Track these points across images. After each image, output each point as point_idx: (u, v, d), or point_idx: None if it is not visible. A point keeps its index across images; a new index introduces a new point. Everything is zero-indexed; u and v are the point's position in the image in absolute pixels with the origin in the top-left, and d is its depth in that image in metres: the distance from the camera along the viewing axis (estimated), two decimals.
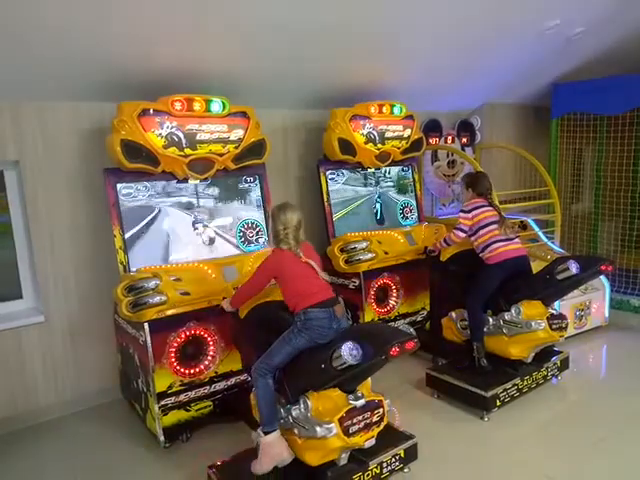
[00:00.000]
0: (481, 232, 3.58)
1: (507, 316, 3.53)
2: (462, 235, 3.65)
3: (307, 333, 2.47)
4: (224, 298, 3.03)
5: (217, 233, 3.66)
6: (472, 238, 3.66)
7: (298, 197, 4.62)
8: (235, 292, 2.92)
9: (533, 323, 3.39)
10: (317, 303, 2.51)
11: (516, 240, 3.61)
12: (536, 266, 3.78)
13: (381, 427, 2.40)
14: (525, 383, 3.43)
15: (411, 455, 2.70)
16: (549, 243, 5.01)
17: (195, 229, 3.57)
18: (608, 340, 4.54)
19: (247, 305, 2.90)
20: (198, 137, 3.38)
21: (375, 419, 2.36)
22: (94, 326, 3.65)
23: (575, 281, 3.51)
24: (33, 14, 2.56)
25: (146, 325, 2.93)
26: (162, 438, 3.00)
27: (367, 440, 2.34)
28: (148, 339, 2.93)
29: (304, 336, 2.48)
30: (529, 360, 3.51)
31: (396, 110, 4.41)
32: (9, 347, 3.38)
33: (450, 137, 5.42)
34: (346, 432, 2.25)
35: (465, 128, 5.56)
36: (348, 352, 2.22)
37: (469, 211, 3.62)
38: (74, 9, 2.60)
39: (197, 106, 3.32)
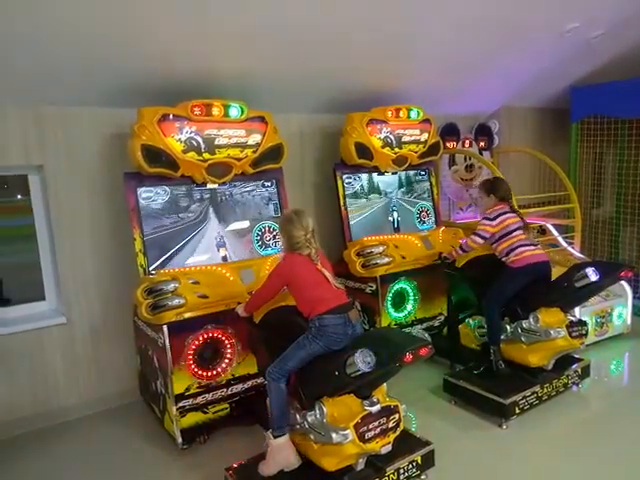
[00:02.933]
0: (506, 238, 3.54)
1: (525, 324, 3.48)
2: (481, 242, 3.60)
3: (322, 339, 2.47)
4: (239, 303, 3.04)
5: (229, 242, 3.67)
6: (494, 244, 3.62)
7: (314, 201, 4.63)
8: (249, 298, 2.94)
9: (552, 331, 3.33)
10: (331, 309, 2.50)
11: (539, 246, 3.59)
12: (555, 272, 3.73)
13: (397, 433, 2.38)
14: (545, 391, 3.38)
15: (428, 462, 2.67)
16: (569, 248, 4.94)
17: (214, 233, 3.61)
18: (630, 348, 4.45)
19: (262, 310, 2.92)
20: (217, 142, 3.41)
21: (391, 425, 2.35)
22: (114, 328, 3.71)
23: (594, 288, 3.45)
24: (56, 24, 2.64)
25: (165, 327, 2.96)
26: (180, 440, 3.03)
27: (383, 446, 2.33)
28: (167, 341, 2.97)
29: (318, 342, 2.47)
30: (549, 367, 3.46)
31: (413, 114, 4.40)
32: (32, 347, 3.45)
33: (468, 141, 5.38)
34: (362, 438, 2.24)
35: (483, 132, 5.51)
36: (361, 359, 2.20)
37: (494, 218, 3.56)
38: (96, 18, 2.67)
39: (216, 111, 3.36)
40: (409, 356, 2.19)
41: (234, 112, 3.43)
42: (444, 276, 4.08)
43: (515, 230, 3.53)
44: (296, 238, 2.60)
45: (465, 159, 5.39)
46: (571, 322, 3.39)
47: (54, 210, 3.48)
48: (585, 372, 3.65)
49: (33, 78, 3.07)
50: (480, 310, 3.73)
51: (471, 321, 3.83)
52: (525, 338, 3.48)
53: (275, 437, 2.49)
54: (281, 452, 2.48)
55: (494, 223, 3.55)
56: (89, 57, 2.98)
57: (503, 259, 3.58)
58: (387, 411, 2.36)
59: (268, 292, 2.77)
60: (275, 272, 2.71)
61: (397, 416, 2.38)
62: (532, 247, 3.51)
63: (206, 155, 3.39)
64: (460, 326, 3.95)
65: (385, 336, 2.57)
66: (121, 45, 2.95)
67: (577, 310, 4.11)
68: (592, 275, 3.32)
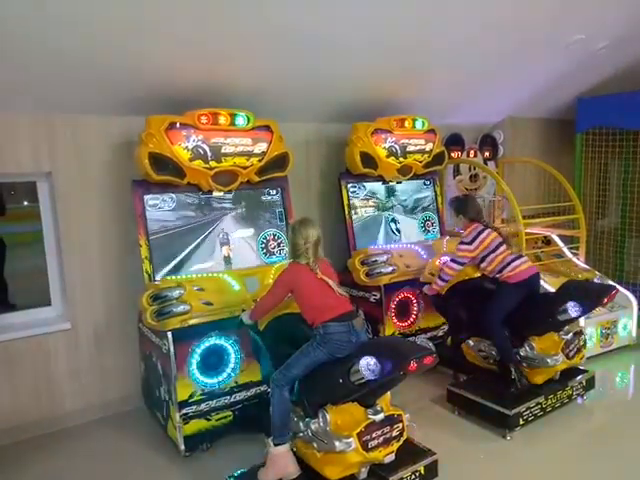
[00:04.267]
0: (491, 256, 3.44)
1: (522, 353, 3.44)
2: (459, 268, 3.49)
3: (326, 347, 2.48)
4: (243, 310, 3.05)
5: (234, 249, 3.68)
6: (482, 265, 3.51)
7: (319, 210, 4.65)
8: (254, 305, 2.95)
9: (549, 360, 3.32)
10: (336, 317, 2.51)
11: (526, 258, 3.54)
12: (558, 282, 3.71)
13: (400, 442, 2.38)
14: (549, 402, 3.36)
15: (431, 472, 2.65)
16: (574, 259, 4.93)
17: (219, 241, 3.63)
18: (636, 360, 4.41)
19: (266, 317, 2.93)
20: (223, 150, 3.45)
21: (395, 434, 2.35)
22: (119, 334, 3.73)
23: (577, 319, 3.46)
24: (68, 31, 2.68)
25: (169, 334, 2.97)
26: (183, 447, 3.02)
27: (386, 455, 2.33)
28: (171, 348, 2.97)
29: (323, 350, 2.48)
30: (556, 378, 3.44)
31: (418, 124, 4.43)
32: (37, 352, 3.47)
33: (472, 151, 5.41)
34: (365, 447, 2.25)
35: (488, 142, 5.55)
36: (366, 367, 2.21)
37: (471, 242, 3.43)
38: (105, 28, 2.72)
39: (222, 120, 3.39)
40: (413, 364, 2.20)
41: (240, 121, 3.46)
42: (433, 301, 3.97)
43: (498, 246, 3.44)
44: (296, 246, 2.65)
45: (470, 169, 5.42)
46: (566, 342, 3.38)
47: (62, 216, 3.52)
48: (590, 384, 3.62)
49: (44, 86, 3.12)
50: (477, 331, 3.65)
51: (471, 342, 3.77)
52: (526, 364, 3.44)
53: (276, 445, 2.49)
54: (281, 461, 2.48)
55: (472, 247, 3.43)
56: (100, 66, 3.03)
57: (497, 276, 3.47)
58: (391, 420, 2.36)
59: (273, 299, 2.78)
60: (279, 279, 2.74)
61: (400, 425, 2.38)
62: (522, 259, 3.45)
63: (212, 163, 3.43)
64: (463, 345, 3.90)
65: (389, 344, 2.57)
66: (131, 54, 3.00)
67: (582, 320, 4.08)
68: (573, 312, 3.26)
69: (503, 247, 3.47)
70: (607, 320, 4.36)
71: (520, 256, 3.52)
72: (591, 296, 3.42)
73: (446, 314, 4.02)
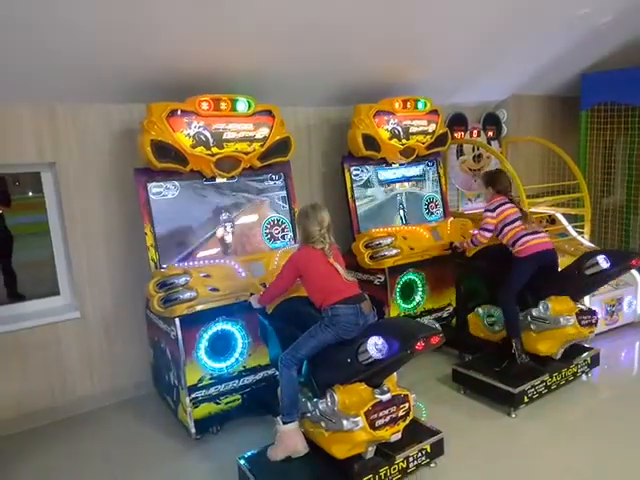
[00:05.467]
0: (506, 229, 3.58)
1: (535, 312, 3.49)
2: (489, 235, 3.65)
3: (334, 329, 2.51)
4: (252, 294, 3.09)
5: (238, 235, 3.71)
6: (499, 236, 3.65)
7: (322, 194, 4.65)
8: (264, 290, 2.98)
9: (561, 319, 3.34)
10: (344, 299, 2.55)
11: (543, 234, 3.59)
12: (565, 261, 3.73)
13: (407, 421, 2.42)
14: (554, 380, 3.40)
15: (438, 450, 2.71)
16: (579, 237, 4.92)
17: (223, 227, 3.65)
18: None
19: (274, 301, 2.96)
20: (225, 136, 3.44)
21: (401, 413, 2.38)
22: (127, 321, 3.77)
23: (605, 276, 3.46)
24: (66, 20, 2.67)
25: (177, 320, 3.01)
26: (193, 430, 3.08)
27: (393, 434, 2.36)
28: (179, 334, 3.02)
29: (330, 331, 2.52)
30: (558, 356, 3.47)
31: (420, 105, 4.40)
32: (47, 341, 3.53)
33: (476, 131, 5.37)
34: (372, 426, 2.28)
35: (491, 121, 5.50)
36: (373, 347, 2.25)
37: (494, 209, 3.62)
38: (105, 15, 2.70)
39: (223, 106, 3.38)
40: (420, 344, 2.22)
41: (241, 106, 3.45)
42: (454, 266, 4.10)
43: (514, 221, 3.57)
44: (311, 232, 2.66)
45: (473, 149, 5.38)
46: (581, 310, 3.40)
47: (67, 206, 3.54)
48: (595, 361, 3.65)
49: (46, 76, 3.11)
50: (489, 299, 3.76)
51: (480, 310, 3.85)
52: (535, 326, 3.49)
53: (284, 423, 2.55)
54: (290, 439, 2.54)
55: (494, 214, 3.61)
56: (100, 54, 3.02)
57: (510, 249, 3.60)
58: (397, 400, 2.39)
59: (283, 283, 2.81)
60: (289, 263, 2.76)
61: (407, 405, 2.41)
62: (536, 235, 3.53)
63: (214, 149, 3.42)
64: (469, 315, 3.97)
65: (396, 325, 2.61)
66: (131, 41, 2.99)
67: (587, 299, 4.10)
68: (603, 262, 3.33)
69: (519, 222, 3.56)
70: (612, 297, 4.37)
71: (535, 232, 3.56)
72: (619, 256, 3.49)
73: (463, 277, 4.11)
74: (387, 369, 2.42)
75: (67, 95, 3.36)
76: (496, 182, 3.71)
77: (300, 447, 2.54)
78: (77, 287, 3.63)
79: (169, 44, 3.12)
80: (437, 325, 3.75)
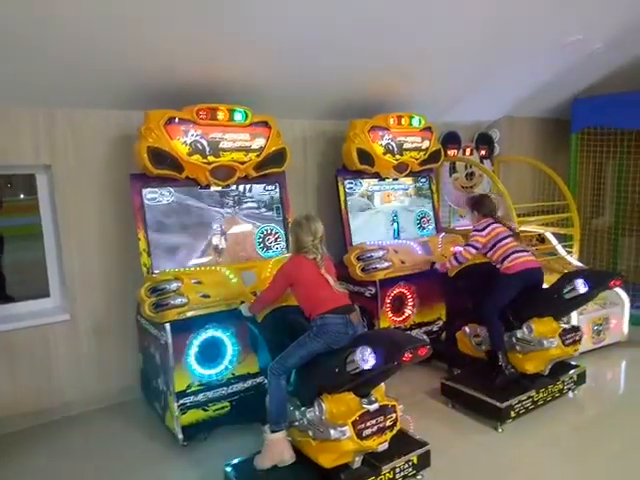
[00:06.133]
0: (498, 246, 3.64)
1: (519, 334, 3.53)
2: (474, 252, 3.69)
3: (323, 338, 2.53)
4: (242, 302, 3.10)
5: (231, 244, 3.73)
6: (489, 253, 3.70)
7: (316, 205, 4.69)
8: (256, 299, 2.99)
9: (545, 342, 3.38)
10: (333, 309, 2.57)
11: (529, 253, 3.67)
12: (552, 279, 3.78)
13: (394, 432, 2.43)
14: (540, 396, 3.42)
15: (424, 462, 2.71)
16: (567, 257, 4.99)
17: (216, 234, 3.67)
18: (627, 356, 4.47)
19: (265, 309, 2.97)
20: (221, 145, 3.49)
21: (388, 423, 2.39)
22: (117, 326, 3.76)
23: (583, 299, 3.52)
24: (68, 26, 2.72)
25: (167, 325, 3.02)
26: (180, 436, 3.07)
27: (380, 444, 2.37)
28: (169, 339, 3.02)
29: (319, 341, 2.54)
30: (546, 372, 3.51)
31: (415, 122, 4.48)
32: (36, 343, 3.51)
33: (469, 149, 5.46)
34: (359, 435, 2.29)
35: (484, 140, 5.59)
36: (361, 357, 2.26)
37: (483, 229, 3.69)
38: (106, 24, 2.75)
39: (221, 115, 3.43)
40: (408, 355, 2.24)
41: (238, 117, 3.50)
42: (440, 283, 4.13)
43: (505, 238, 3.63)
44: (304, 242, 2.69)
45: (466, 167, 5.47)
46: (564, 330, 3.44)
47: (60, 209, 3.55)
48: (581, 378, 3.69)
49: (45, 80, 3.15)
50: (474, 317, 3.77)
51: (467, 329, 3.86)
52: (520, 347, 3.52)
53: (272, 432, 2.56)
54: (276, 447, 2.54)
55: (483, 233, 3.67)
56: (99, 60, 3.06)
57: (498, 266, 3.65)
58: (385, 410, 2.40)
59: (274, 293, 2.83)
60: (280, 272, 2.79)
61: (394, 415, 2.43)
62: (524, 253, 3.60)
63: (210, 158, 3.46)
64: (457, 334, 3.99)
65: (384, 335, 2.63)
66: (131, 49, 3.04)
67: (575, 317, 4.16)
68: (581, 287, 3.37)
69: (510, 239, 3.64)
70: (599, 317, 4.43)
71: (524, 250, 3.64)
72: (598, 278, 3.55)
73: (448, 296, 4.17)
74: (375, 379, 2.43)
75: (66, 100, 3.40)
76: (482, 206, 3.79)
77: (286, 456, 2.55)
78: (68, 290, 3.63)
79: (168, 53, 3.17)
80: (425, 337, 3.77)
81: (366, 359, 2.25)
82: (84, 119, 3.55)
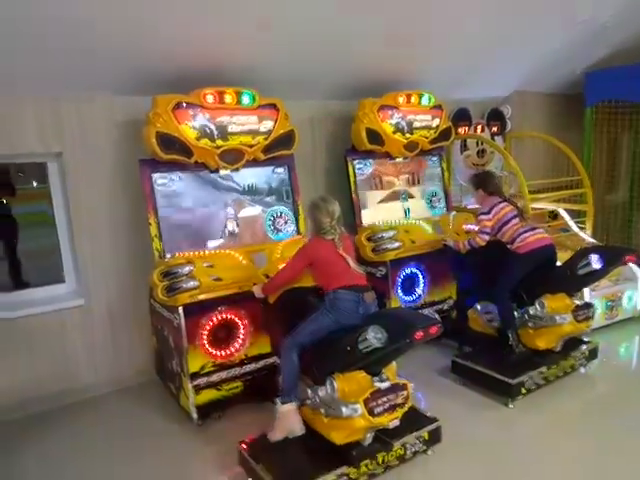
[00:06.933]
0: (505, 228, 3.60)
1: (532, 310, 3.53)
2: (487, 238, 3.65)
3: (333, 313, 2.59)
4: (254, 284, 3.13)
5: (239, 224, 3.74)
6: (498, 235, 3.66)
7: (325, 186, 4.68)
8: (270, 279, 3.02)
9: (558, 317, 3.38)
10: (347, 286, 2.63)
11: (541, 230, 3.62)
12: (566, 256, 3.75)
13: (405, 409, 2.46)
14: (552, 371, 3.43)
15: (435, 438, 2.76)
16: (580, 233, 4.93)
17: (227, 218, 3.69)
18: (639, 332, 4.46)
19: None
20: (229, 129, 3.48)
21: (400, 401, 2.42)
22: (131, 310, 3.83)
23: (598, 275, 3.49)
24: (67, 13, 2.71)
25: (180, 309, 3.07)
26: (195, 416, 3.15)
27: (391, 421, 2.41)
28: (182, 322, 3.07)
29: (330, 316, 2.59)
30: (558, 349, 3.50)
31: (424, 100, 4.42)
32: (52, 328, 3.59)
33: (480, 126, 5.38)
34: (371, 412, 2.33)
35: (495, 117, 5.50)
36: (373, 335, 2.28)
37: (488, 211, 3.63)
38: (108, 8, 2.74)
39: (228, 98, 3.41)
40: (420, 333, 2.26)
41: (246, 99, 3.49)
42: (451, 261, 4.13)
43: (512, 219, 3.59)
44: (322, 224, 2.74)
45: (477, 144, 5.40)
46: (577, 306, 3.43)
47: (72, 196, 3.59)
48: (593, 354, 3.68)
49: (50, 66, 3.15)
50: (486, 295, 3.78)
51: (479, 306, 3.87)
52: (532, 324, 3.53)
53: (283, 403, 2.62)
54: (287, 419, 2.61)
55: (490, 216, 3.61)
56: (105, 45, 3.06)
57: (509, 246, 3.62)
58: (396, 388, 2.43)
59: (292, 273, 2.87)
60: (301, 252, 2.84)
61: (405, 393, 2.46)
62: (535, 231, 3.56)
63: (219, 142, 3.46)
64: (468, 311, 4.00)
65: (396, 314, 2.66)
66: (137, 34, 3.03)
67: (587, 293, 4.13)
68: (595, 263, 3.35)
69: (516, 219, 3.60)
70: (612, 293, 4.39)
71: (533, 228, 3.60)
72: (612, 253, 3.51)
73: (460, 274, 4.15)
74: (386, 358, 2.46)
75: (73, 85, 3.40)
76: (487, 183, 3.73)
77: (297, 427, 2.61)
78: (82, 275, 3.69)
79: (172, 37, 3.15)
80: (437, 316, 3.79)
81: (378, 337, 2.28)
82: (90, 105, 3.55)
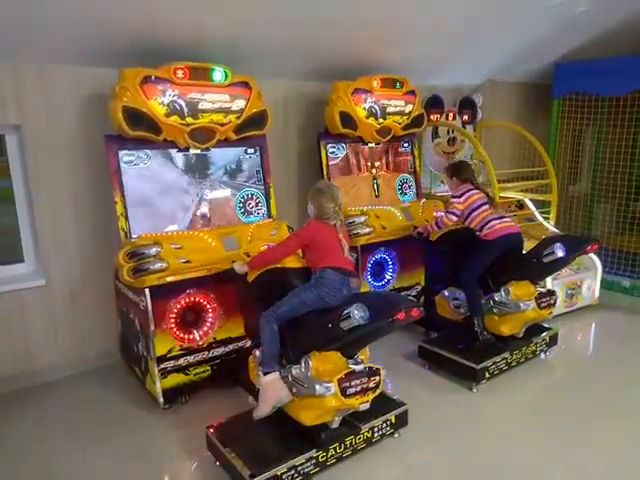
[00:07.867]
0: (474, 214, 3.68)
1: (497, 297, 3.61)
2: (455, 219, 3.73)
3: (317, 289, 2.60)
4: (233, 262, 3.04)
5: (209, 206, 3.65)
6: (466, 222, 3.75)
7: (297, 169, 4.63)
8: (258, 254, 2.96)
9: (522, 304, 3.47)
10: (335, 267, 2.65)
11: (508, 218, 3.72)
12: (530, 244, 3.85)
13: (376, 393, 2.47)
14: (514, 357, 3.54)
15: (402, 421, 2.80)
16: (545, 223, 5.07)
17: (196, 199, 3.60)
18: (597, 319, 4.65)
19: (256, 270, 2.93)
20: (200, 106, 3.37)
21: (372, 385, 2.43)
22: (95, 291, 3.72)
23: (561, 263, 3.61)
24: None
25: (147, 291, 2.99)
26: (161, 400, 3.09)
27: (362, 404, 2.42)
28: (149, 305, 3.00)
29: (313, 292, 2.60)
30: (521, 335, 3.61)
31: (398, 85, 4.40)
32: (11, 309, 3.45)
33: (451, 113, 5.41)
34: (343, 393, 2.33)
35: (467, 105, 5.54)
36: (356, 313, 2.29)
37: (460, 195, 3.71)
38: None
39: (199, 74, 3.30)
40: (402, 314, 2.28)
41: (218, 76, 3.38)
42: (422, 247, 4.19)
43: (481, 205, 3.68)
44: (326, 209, 2.76)
45: (448, 132, 5.43)
46: (540, 294, 3.53)
47: (32, 171, 3.42)
48: (553, 340, 3.82)
49: (11, 33, 2.95)
50: (454, 282, 3.85)
51: (446, 292, 3.94)
52: (497, 310, 3.62)
53: (265, 374, 2.56)
54: (272, 388, 2.54)
55: (461, 200, 3.69)
56: (70, 13, 2.88)
57: (477, 233, 3.71)
58: (369, 372, 2.44)
59: (285, 250, 2.85)
60: (299, 233, 2.85)
61: (378, 378, 2.47)
62: (503, 220, 3.65)
63: (189, 119, 3.35)
64: (436, 297, 4.07)
65: (380, 295, 2.68)
66: (104, 2, 2.86)
67: (549, 282, 4.27)
68: (559, 252, 3.45)
69: (486, 207, 3.68)
70: (572, 281, 4.56)
71: (502, 217, 3.69)
72: (575, 242, 3.64)
73: (429, 260, 4.26)
74: (364, 338, 2.46)
75: (35, 55, 3.22)
76: (461, 172, 3.81)
77: (284, 394, 2.53)
78: (42, 254, 3.54)
79: (145, 8, 3.00)
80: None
81: (361, 315, 2.28)
82: (53, 76, 3.37)
